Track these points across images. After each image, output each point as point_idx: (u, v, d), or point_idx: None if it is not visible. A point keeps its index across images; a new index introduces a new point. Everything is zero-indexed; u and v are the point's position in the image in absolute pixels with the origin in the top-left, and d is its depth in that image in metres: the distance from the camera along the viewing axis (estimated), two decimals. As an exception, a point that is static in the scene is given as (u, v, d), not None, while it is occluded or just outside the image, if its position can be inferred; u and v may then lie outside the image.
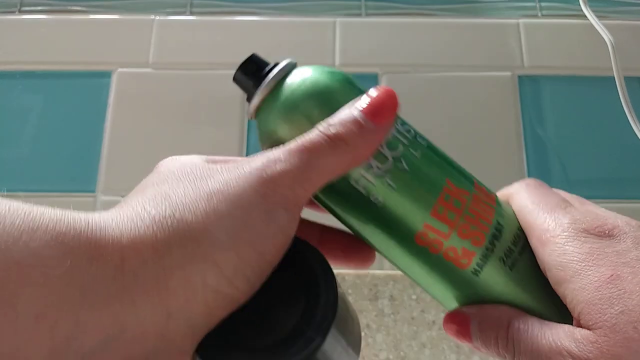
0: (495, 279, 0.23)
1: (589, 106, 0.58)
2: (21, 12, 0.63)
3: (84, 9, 0.63)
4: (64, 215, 0.18)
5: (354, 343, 0.23)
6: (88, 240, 0.18)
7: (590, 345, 0.19)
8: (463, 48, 0.61)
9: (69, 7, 0.63)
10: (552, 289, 0.22)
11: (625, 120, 0.54)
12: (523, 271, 0.23)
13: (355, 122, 0.22)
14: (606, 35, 0.58)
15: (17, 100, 0.59)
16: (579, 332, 0.20)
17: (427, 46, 0.61)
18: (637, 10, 0.63)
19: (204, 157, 0.23)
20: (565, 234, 0.22)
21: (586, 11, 0.60)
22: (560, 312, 0.22)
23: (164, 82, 0.59)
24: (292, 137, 0.22)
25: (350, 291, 0.51)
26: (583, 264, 0.21)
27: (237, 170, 0.21)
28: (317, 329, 0.20)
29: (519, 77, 0.59)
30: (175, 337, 0.19)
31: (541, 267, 0.23)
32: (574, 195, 0.26)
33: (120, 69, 0.60)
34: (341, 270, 0.50)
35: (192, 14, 0.63)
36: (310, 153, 0.21)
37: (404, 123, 0.25)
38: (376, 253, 0.26)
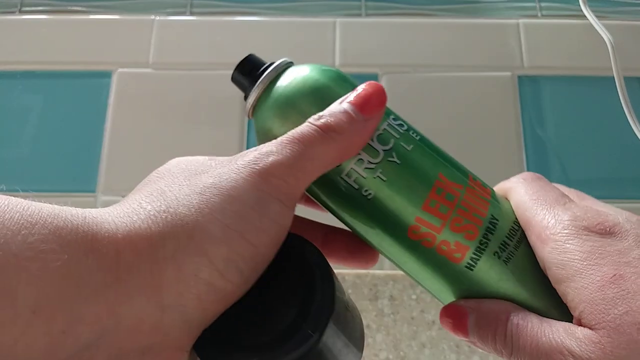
0: (489, 273, 0.23)
1: (588, 106, 0.58)
2: (21, 12, 0.63)
3: (84, 9, 0.63)
4: (61, 210, 0.19)
5: (356, 340, 0.23)
6: (85, 234, 0.18)
7: (593, 345, 0.19)
8: (463, 48, 0.61)
9: (69, 7, 0.63)
10: (550, 285, 0.22)
11: (625, 120, 0.54)
12: (519, 266, 0.23)
13: (344, 112, 0.23)
14: (606, 36, 0.58)
15: (18, 100, 0.59)
16: (580, 331, 0.20)
17: (427, 46, 0.61)
18: (637, 10, 0.63)
19: (207, 157, 0.23)
20: (565, 231, 0.22)
21: (586, 11, 0.60)
22: (559, 308, 0.22)
23: (164, 82, 0.59)
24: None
25: (350, 291, 0.51)
26: (585, 263, 0.20)
27: (231, 164, 0.21)
28: (313, 325, 0.20)
29: (519, 77, 0.59)
30: (170, 331, 0.19)
31: (541, 264, 0.23)
32: (573, 190, 0.26)
33: (120, 69, 0.60)
34: (341, 270, 0.50)
35: (192, 14, 0.63)
36: (301, 144, 0.22)
37: (396, 118, 0.25)
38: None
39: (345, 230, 0.26)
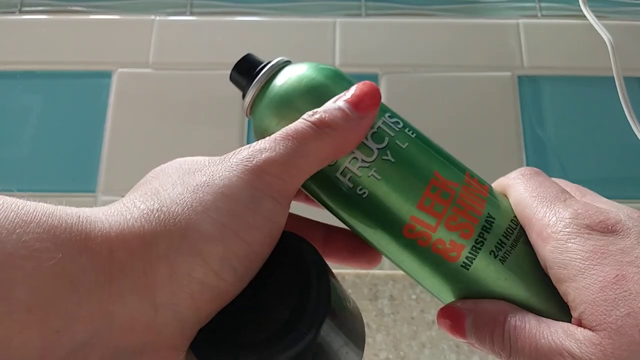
0: (486, 272, 0.23)
1: (588, 106, 0.58)
2: (22, 12, 0.63)
3: (84, 9, 0.63)
4: (56, 209, 0.19)
5: (356, 339, 0.23)
6: (79, 233, 0.18)
7: (593, 347, 0.19)
8: (463, 48, 0.61)
9: (70, 7, 0.63)
10: (548, 283, 0.22)
11: (625, 120, 0.54)
12: (517, 265, 0.23)
13: (339, 109, 0.23)
14: (606, 36, 0.58)
15: (18, 100, 0.59)
16: (580, 333, 0.20)
17: (427, 46, 0.61)
18: (637, 10, 0.63)
19: (205, 157, 0.23)
20: (567, 230, 0.21)
21: (586, 11, 0.60)
22: (557, 308, 0.22)
23: (164, 82, 0.59)
24: None
25: (350, 291, 0.51)
26: (587, 263, 0.20)
27: (224, 162, 0.21)
28: (309, 323, 0.20)
29: (519, 77, 0.59)
30: (163, 330, 0.19)
31: (542, 263, 0.22)
32: (574, 185, 0.25)
33: (120, 69, 0.60)
34: (341, 270, 0.50)
35: (192, 14, 0.63)
36: (295, 140, 0.21)
37: (392, 115, 0.25)
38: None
39: (347, 230, 0.26)
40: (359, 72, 0.60)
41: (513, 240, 0.23)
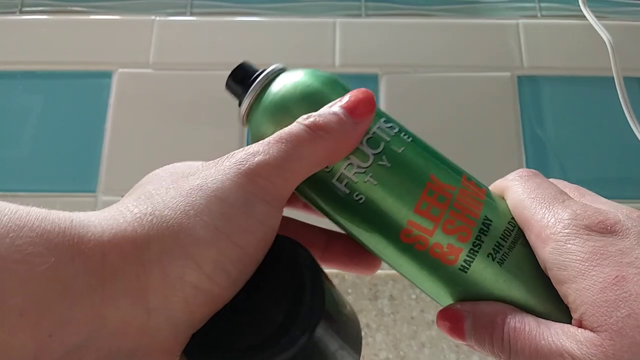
0: (484, 275, 0.23)
1: (588, 106, 0.58)
2: (22, 12, 0.63)
3: (84, 9, 0.63)
4: (49, 213, 0.19)
5: (352, 342, 0.23)
6: (72, 237, 0.18)
7: (594, 348, 0.19)
8: (463, 48, 0.61)
9: (70, 8, 0.64)
10: (547, 285, 0.22)
11: (625, 121, 0.54)
12: (515, 267, 0.23)
13: (334, 114, 0.23)
14: (605, 36, 0.58)
15: (18, 100, 0.59)
16: (581, 334, 0.19)
17: (427, 47, 0.61)
18: (636, 10, 0.63)
19: (201, 162, 0.23)
20: (566, 231, 0.21)
21: (585, 12, 0.60)
22: (557, 309, 0.22)
23: (164, 82, 0.60)
24: None
25: (350, 291, 0.51)
26: (586, 264, 0.20)
27: (217, 165, 0.21)
28: (302, 326, 0.20)
29: (519, 77, 0.59)
30: (156, 334, 0.19)
31: (541, 265, 0.22)
32: (573, 185, 0.25)
33: (120, 69, 0.60)
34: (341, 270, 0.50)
35: (192, 14, 0.63)
36: (288, 143, 0.21)
37: (388, 120, 0.25)
38: None
39: (347, 236, 0.26)
40: (359, 72, 0.60)
41: (511, 242, 0.23)
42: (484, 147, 0.56)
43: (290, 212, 0.27)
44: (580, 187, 0.25)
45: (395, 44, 0.61)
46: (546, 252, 0.21)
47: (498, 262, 0.23)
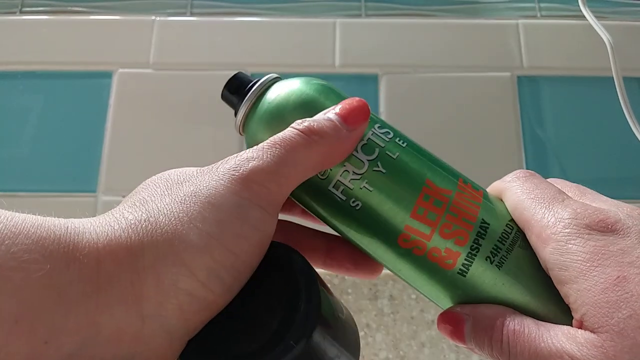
0: (483, 278, 0.23)
1: (588, 106, 0.58)
2: (22, 12, 0.63)
3: (84, 9, 0.63)
4: (44, 220, 0.19)
5: (350, 347, 0.23)
6: (67, 244, 0.18)
7: (595, 349, 0.19)
8: (462, 49, 0.61)
9: (70, 8, 0.64)
10: (548, 285, 0.22)
11: (624, 121, 0.54)
12: (514, 269, 0.23)
13: (328, 119, 0.23)
14: (605, 36, 0.58)
15: (18, 100, 0.59)
16: (581, 335, 0.19)
17: (427, 47, 0.61)
18: (636, 10, 0.63)
19: (196, 168, 0.23)
20: (566, 230, 0.21)
21: (585, 12, 0.60)
22: (557, 310, 0.22)
23: (164, 82, 0.60)
24: None
25: (350, 291, 0.51)
26: (588, 265, 0.20)
27: (211, 172, 0.21)
28: (297, 334, 0.20)
29: (518, 77, 0.59)
30: (150, 341, 0.19)
31: (542, 265, 0.22)
32: (574, 184, 0.25)
33: (121, 70, 0.60)
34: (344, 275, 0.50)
35: (192, 14, 0.63)
36: (282, 148, 0.21)
37: (382, 126, 0.25)
38: None
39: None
40: (359, 72, 0.60)
41: (509, 245, 0.23)
42: (483, 148, 0.56)
43: (288, 219, 0.27)
44: (581, 186, 0.25)
45: (395, 44, 0.61)
46: (547, 253, 0.21)
47: (497, 265, 0.23)
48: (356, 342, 0.24)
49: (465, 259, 0.23)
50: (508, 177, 0.25)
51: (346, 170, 0.23)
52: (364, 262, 0.26)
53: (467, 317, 0.23)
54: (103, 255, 0.18)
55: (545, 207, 0.22)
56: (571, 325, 0.20)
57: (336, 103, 0.24)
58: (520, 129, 0.57)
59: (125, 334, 0.19)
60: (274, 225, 0.22)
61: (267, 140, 0.22)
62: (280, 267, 0.22)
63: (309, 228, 0.27)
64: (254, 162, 0.21)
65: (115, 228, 0.19)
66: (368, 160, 0.23)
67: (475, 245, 0.23)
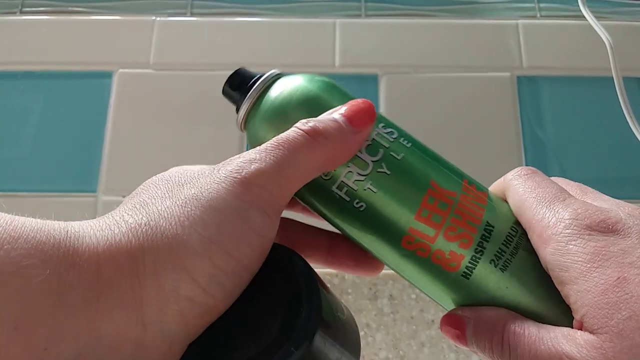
0: (486, 281, 0.23)
1: (587, 107, 0.58)
2: (22, 12, 0.63)
3: (85, 9, 0.64)
4: (44, 224, 0.18)
5: (351, 348, 0.23)
6: (66, 249, 0.18)
7: (594, 350, 0.19)
8: (462, 49, 0.61)
9: (70, 8, 0.64)
10: (550, 288, 0.22)
11: (624, 121, 0.54)
12: (518, 272, 0.23)
13: (333, 120, 0.22)
14: (605, 36, 0.58)
15: (18, 100, 0.59)
16: (581, 336, 0.19)
17: (426, 47, 0.61)
18: (636, 10, 0.63)
19: (198, 167, 0.22)
20: (567, 231, 0.21)
21: (585, 12, 0.60)
22: (559, 311, 0.21)
23: (164, 82, 0.60)
24: None
25: (349, 290, 0.51)
26: (588, 265, 0.20)
27: (213, 174, 0.21)
28: (298, 340, 0.19)
29: (518, 77, 0.59)
30: (151, 346, 0.19)
31: (543, 265, 0.22)
32: (576, 183, 0.25)
33: (121, 70, 0.60)
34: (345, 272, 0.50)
35: (192, 14, 0.63)
36: (286, 150, 0.21)
37: (387, 126, 0.24)
38: None
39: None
40: (359, 73, 0.60)
41: (513, 248, 0.23)
42: (483, 148, 0.57)
43: (290, 214, 0.27)
44: (582, 185, 0.25)
45: (395, 44, 0.61)
46: (547, 253, 0.21)
47: (501, 268, 0.22)
48: (357, 342, 0.24)
49: (469, 262, 0.23)
50: (509, 175, 0.25)
51: (350, 171, 0.23)
52: (365, 259, 0.26)
53: (469, 320, 0.23)
54: (103, 260, 0.18)
55: (546, 207, 0.22)
56: (572, 327, 0.20)
57: (340, 101, 0.24)
58: (520, 129, 0.57)
59: (125, 339, 0.18)
60: (275, 229, 0.21)
61: (271, 141, 0.21)
62: (280, 269, 0.22)
63: (311, 226, 0.27)
64: (257, 164, 0.20)
65: (116, 232, 0.19)
66: (372, 161, 0.23)
67: (480, 248, 0.23)
